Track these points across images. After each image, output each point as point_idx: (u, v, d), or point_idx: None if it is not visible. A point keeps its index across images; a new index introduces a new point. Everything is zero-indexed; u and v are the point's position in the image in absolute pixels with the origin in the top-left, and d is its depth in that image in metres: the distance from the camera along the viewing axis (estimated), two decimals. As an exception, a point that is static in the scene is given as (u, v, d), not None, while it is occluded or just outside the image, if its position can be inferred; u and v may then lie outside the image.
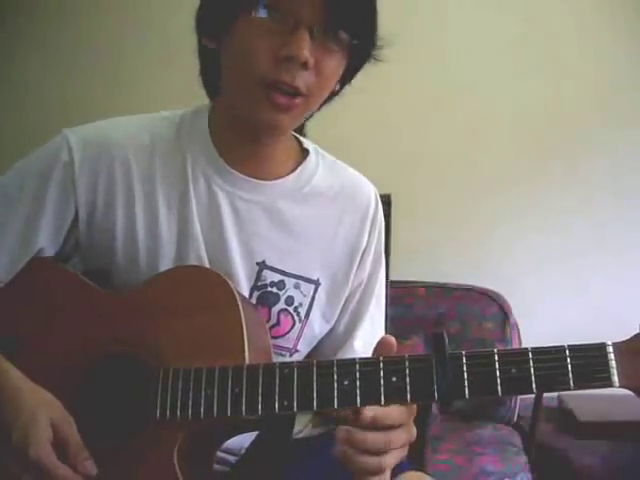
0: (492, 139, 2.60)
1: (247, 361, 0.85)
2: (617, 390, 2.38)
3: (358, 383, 0.79)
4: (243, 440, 0.98)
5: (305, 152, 1.06)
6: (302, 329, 1.03)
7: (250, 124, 0.95)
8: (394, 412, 0.79)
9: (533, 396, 2.16)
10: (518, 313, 2.26)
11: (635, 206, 2.55)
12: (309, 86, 0.89)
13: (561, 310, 2.44)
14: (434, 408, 1.86)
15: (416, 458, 1.55)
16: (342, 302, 1.07)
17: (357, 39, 0.90)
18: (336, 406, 0.79)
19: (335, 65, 0.91)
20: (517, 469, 1.93)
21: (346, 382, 0.79)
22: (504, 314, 2.29)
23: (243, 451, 0.99)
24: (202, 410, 0.83)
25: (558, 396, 2.40)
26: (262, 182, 1.01)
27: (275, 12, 0.85)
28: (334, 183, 1.06)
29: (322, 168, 1.06)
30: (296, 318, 1.02)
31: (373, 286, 1.09)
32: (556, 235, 2.57)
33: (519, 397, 2.34)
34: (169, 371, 0.86)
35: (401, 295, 2.28)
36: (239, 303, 0.89)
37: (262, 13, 0.85)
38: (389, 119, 2.44)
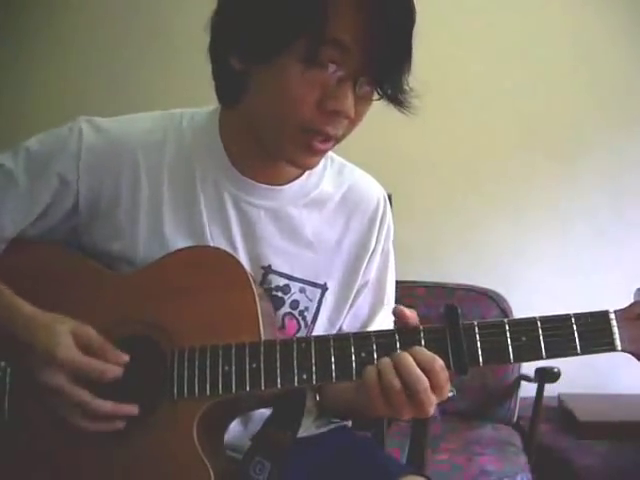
0: (492, 139, 2.60)
1: (262, 337, 0.85)
2: (617, 390, 2.38)
3: (375, 355, 0.81)
4: (246, 437, 0.98)
5: None
6: (308, 333, 1.02)
7: (277, 157, 0.96)
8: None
9: (533, 396, 2.17)
10: (518, 313, 2.26)
11: (634, 205, 2.55)
12: (344, 132, 0.91)
13: (561, 310, 2.44)
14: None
15: (416, 458, 1.56)
16: (348, 305, 1.07)
17: (394, 91, 0.91)
18: (354, 378, 0.81)
19: (367, 110, 0.92)
20: (517, 469, 1.94)
21: (363, 354, 0.82)
22: (504, 314, 2.30)
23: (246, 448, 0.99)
24: (220, 386, 0.84)
25: (558, 396, 2.41)
26: (270, 187, 1.00)
27: (322, 62, 0.84)
28: (342, 186, 1.06)
29: (330, 171, 1.06)
30: (302, 322, 1.02)
31: (383, 292, 1.09)
32: (556, 235, 2.58)
33: (519, 397, 2.35)
34: (184, 350, 0.86)
35: (401, 295, 2.28)
36: (251, 280, 0.89)
37: (311, 62, 0.83)
38: (389, 119, 2.44)
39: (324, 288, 1.03)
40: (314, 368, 0.82)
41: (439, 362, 0.79)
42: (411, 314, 0.83)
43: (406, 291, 2.35)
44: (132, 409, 0.86)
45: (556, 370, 2.11)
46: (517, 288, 2.44)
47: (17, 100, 2.71)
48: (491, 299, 2.37)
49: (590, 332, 0.79)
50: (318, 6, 0.81)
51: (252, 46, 0.86)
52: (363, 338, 0.83)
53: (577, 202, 2.58)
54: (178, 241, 0.97)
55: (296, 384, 0.83)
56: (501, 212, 2.61)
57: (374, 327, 1.06)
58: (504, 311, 2.31)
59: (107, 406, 0.85)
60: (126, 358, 0.87)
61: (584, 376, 2.34)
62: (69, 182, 0.96)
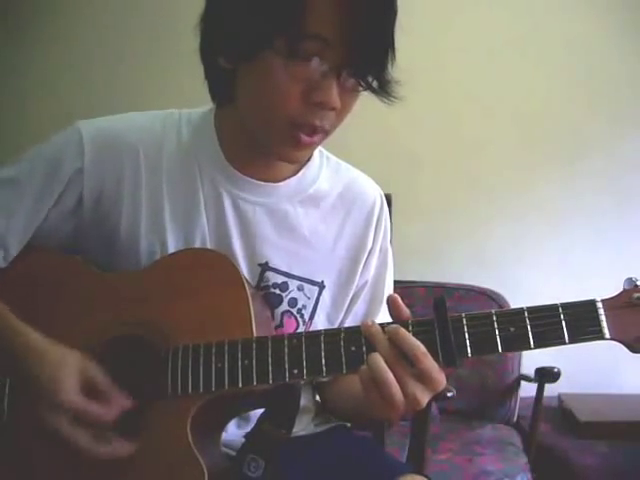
0: (492, 140, 2.60)
1: (255, 335, 0.87)
2: (617, 390, 2.37)
3: (364, 348, 0.82)
4: (240, 435, 0.99)
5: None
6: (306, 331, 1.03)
7: (267, 152, 0.97)
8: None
9: (533, 396, 2.17)
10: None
11: (634, 205, 2.55)
12: (332, 124, 0.91)
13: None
14: (434, 408, 1.86)
15: (416, 458, 1.56)
16: (347, 304, 1.07)
17: (379, 81, 0.91)
18: (345, 372, 0.83)
19: (355, 101, 0.92)
20: (517, 469, 1.94)
21: (353, 348, 0.82)
22: (504, 314, 2.29)
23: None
24: (213, 383, 0.85)
25: (558, 396, 2.41)
26: (266, 184, 1.00)
27: (305, 56, 0.84)
28: (338, 185, 1.06)
29: (326, 170, 1.06)
30: (300, 320, 1.02)
31: (381, 291, 1.09)
32: (555, 235, 2.58)
33: (519, 397, 2.35)
34: (178, 349, 0.87)
35: (401, 295, 2.27)
36: (243, 280, 0.90)
37: (294, 57, 0.84)
38: (389, 119, 2.44)
39: (321, 286, 1.04)
40: (305, 363, 0.83)
41: (422, 348, 0.79)
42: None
43: (406, 291, 2.35)
44: (128, 448, 0.86)
45: (556, 370, 2.10)
46: (517, 288, 2.44)
47: (17, 100, 2.71)
48: (491, 299, 2.37)
49: (577, 321, 0.78)
50: (297, 2, 0.82)
51: (236, 45, 0.88)
52: (352, 333, 0.84)
53: (576, 204, 2.58)
54: (177, 238, 0.98)
55: (287, 379, 0.84)
56: (501, 213, 2.61)
57: None
58: (504, 311, 2.30)
59: (103, 451, 0.85)
60: (129, 403, 0.87)
61: (584, 376, 2.34)
62: (74, 188, 0.97)
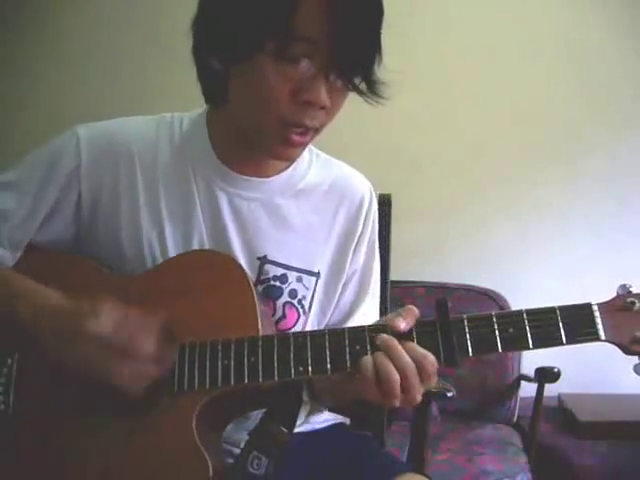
0: (491, 140, 2.60)
1: (260, 333, 0.88)
2: (617, 390, 2.36)
3: (369, 347, 0.84)
4: (243, 431, 0.99)
5: None
6: (306, 321, 1.05)
7: (260, 151, 0.99)
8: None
9: (533, 396, 2.17)
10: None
11: (633, 206, 2.55)
12: (322, 122, 0.93)
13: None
14: (434, 408, 1.86)
15: (416, 458, 1.56)
16: (338, 293, 1.09)
17: (367, 81, 0.93)
18: (349, 369, 0.84)
19: (344, 100, 0.95)
20: (517, 469, 1.94)
21: (358, 347, 0.85)
22: (504, 314, 2.29)
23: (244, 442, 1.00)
24: (219, 379, 0.86)
25: (558, 396, 2.41)
26: (259, 179, 1.03)
27: (294, 57, 0.87)
28: (327, 179, 1.09)
29: (315, 165, 1.09)
30: (300, 311, 1.04)
31: (369, 279, 1.11)
32: (556, 235, 2.58)
33: (519, 397, 2.35)
34: (185, 346, 0.89)
35: (401, 295, 2.28)
36: (249, 280, 0.92)
37: (282, 58, 0.86)
38: (389, 120, 2.44)
39: (318, 276, 1.06)
40: (310, 361, 0.85)
41: (430, 358, 0.82)
42: (409, 314, 0.85)
43: (406, 291, 2.35)
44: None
45: (556, 370, 2.11)
46: (517, 288, 2.44)
47: (17, 100, 2.71)
48: (491, 299, 2.38)
49: (574, 323, 0.82)
50: (285, 6, 0.84)
51: (229, 48, 0.90)
52: (357, 332, 0.86)
53: (576, 204, 2.57)
54: (176, 239, 1.00)
55: (292, 376, 0.85)
56: (501, 213, 2.61)
57: (359, 315, 1.09)
58: (504, 310, 2.30)
59: (149, 348, 0.85)
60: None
61: (584, 376, 2.34)
62: (72, 187, 0.99)
